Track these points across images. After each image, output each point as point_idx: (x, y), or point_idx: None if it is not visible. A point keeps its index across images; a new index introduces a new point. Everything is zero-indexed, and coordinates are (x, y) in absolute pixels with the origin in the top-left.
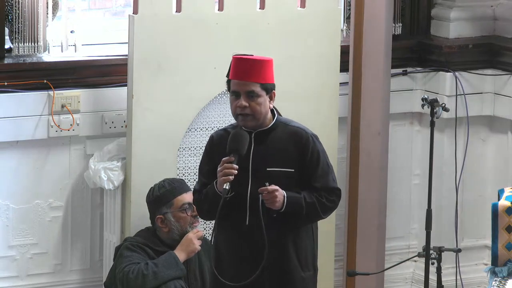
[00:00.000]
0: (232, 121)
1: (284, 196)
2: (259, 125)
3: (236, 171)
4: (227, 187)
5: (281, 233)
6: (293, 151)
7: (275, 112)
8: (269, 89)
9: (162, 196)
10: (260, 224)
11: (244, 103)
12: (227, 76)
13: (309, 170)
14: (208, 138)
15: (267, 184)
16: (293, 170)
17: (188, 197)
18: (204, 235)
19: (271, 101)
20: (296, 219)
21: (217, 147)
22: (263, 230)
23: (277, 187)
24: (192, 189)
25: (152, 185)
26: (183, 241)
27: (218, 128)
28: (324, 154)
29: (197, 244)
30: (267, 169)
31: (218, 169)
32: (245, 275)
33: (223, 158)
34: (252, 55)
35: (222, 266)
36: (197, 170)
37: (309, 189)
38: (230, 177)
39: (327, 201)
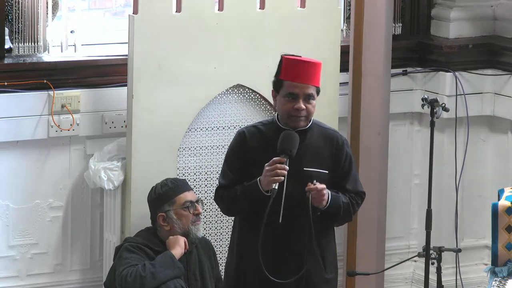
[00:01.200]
0: (233, 120)
1: (328, 194)
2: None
3: (286, 172)
4: (276, 187)
5: (311, 234)
6: (328, 153)
7: None
8: (319, 92)
9: (164, 194)
10: (298, 223)
11: (303, 106)
12: (277, 76)
13: (342, 173)
14: (236, 134)
15: (315, 182)
16: (327, 171)
17: (190, 195)
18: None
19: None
20: (333, 219)
21: (250, 144)
22: (312, 228)
23: (324, 185)
24: (217, 184)
25: (154, 185)
26: (171, 241)
27: (217, 128)
28: (353, 159)
29: (181, 239)
30: (304, 168)
31: (267, 168)
32: (274, 274)
33: (274, 158)
34: (301, 56)
35: (244, 265)
36: (199, 170)
37: (340, 191)
38: (282, 177)
39: (356, 204)
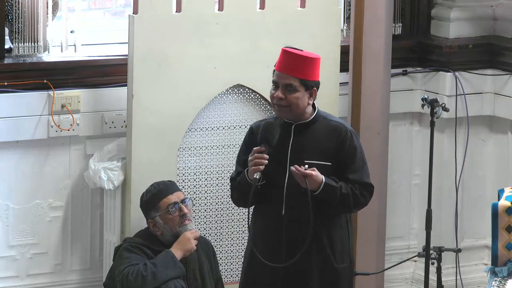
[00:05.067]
0: (233, 120)
1: (322, 181)
2: (298, 118)
3: (267, 161)
4: (257, 177)
5: (315, 224)
6: (331, 145)
7: (316, 106)
8: (309, 86)
9: (149, 200)
10: (297, 215)
11: (281, 94)
12: (275, 65)
13: (345, 164)
14: (248, 129)
15: (306, 166)
16: (330, 164)
17: (174, 197)
18: (204, 235)
19: (311, 98)
20: (328, 207)
21: (256, 137)
22: (311, 220)
23: (311, 173)
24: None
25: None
26: (181, 239)
27: (217, 128)
28: (361, 151)
29: (193, 243)
30: (305, 161)
31: (249, 158)
32: (279, 262)
33: (254, 148)
34: (302, 50)
35: (257, 250)
36: (199, 170)
37: (344, 181)
38: (261, 167)
39: (360, 195)
